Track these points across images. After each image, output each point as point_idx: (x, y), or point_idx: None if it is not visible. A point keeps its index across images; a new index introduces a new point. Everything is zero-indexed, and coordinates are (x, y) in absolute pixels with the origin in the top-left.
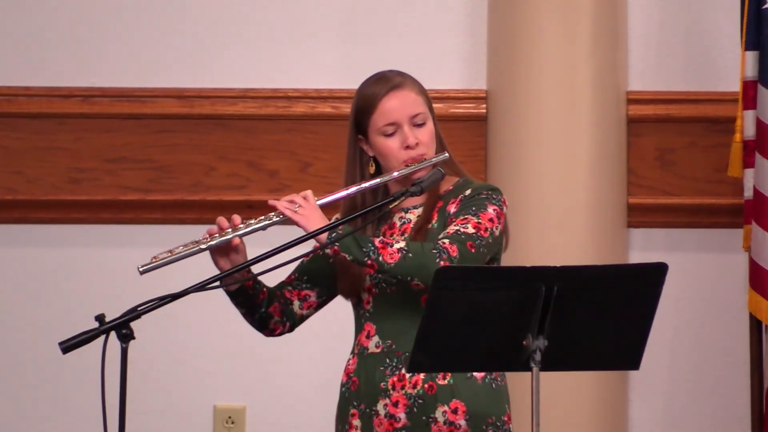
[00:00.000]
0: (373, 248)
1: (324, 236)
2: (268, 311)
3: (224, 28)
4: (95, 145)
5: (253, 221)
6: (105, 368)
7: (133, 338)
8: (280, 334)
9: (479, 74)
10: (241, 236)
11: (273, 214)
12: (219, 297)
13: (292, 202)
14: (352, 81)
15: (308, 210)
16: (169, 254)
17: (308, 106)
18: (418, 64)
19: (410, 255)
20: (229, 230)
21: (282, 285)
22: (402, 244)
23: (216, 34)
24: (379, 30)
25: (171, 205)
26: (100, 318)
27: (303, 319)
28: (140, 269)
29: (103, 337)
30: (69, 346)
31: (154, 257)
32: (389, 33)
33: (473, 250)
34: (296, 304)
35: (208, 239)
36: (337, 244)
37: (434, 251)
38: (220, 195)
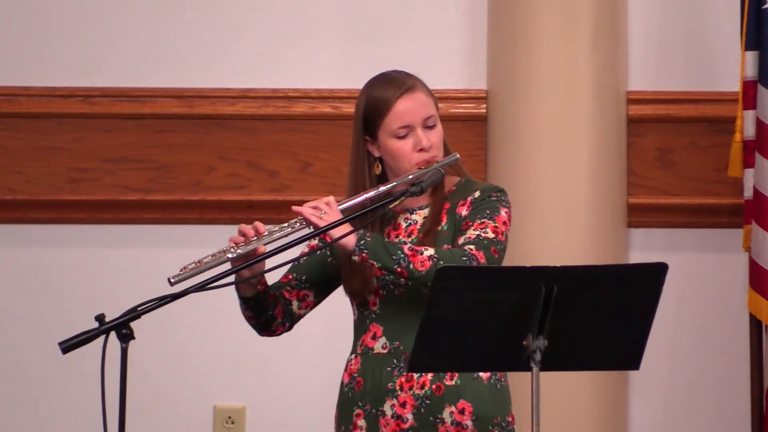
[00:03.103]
0: (403, 256)
1: (350, 241)
2: (273, 314)
3: (224, 28)
4: (95, 145)
5: (275, 229)
6: (105, 368)
7: (133, 338)
8: (279, 334)
9: (479, 74)
10: (264, 244)
11: (296, 220)
12: (219, 297)
13: (316, 208)
14: (352, 81)
15: (332, 217)
16: (198, 264)
17: (308, 106)
18: (418, 64)
19: (441, 263)
20: (254, 239)
21: (280, 285)
22: (431, 252)
23: (216, 34)
24: (379, 30)
25: (171, 205)
26: (100, 318)
27: (300, 318)
28: (171, 280)
29: (103, 337)
30: (69, 346)
31: (183, 268)
32: (389, 33)
33: (496, 255)
34: (295, 304)
35: (235, 248)
36: (366, 251)
37: (464, 258)
38: (220, 195)
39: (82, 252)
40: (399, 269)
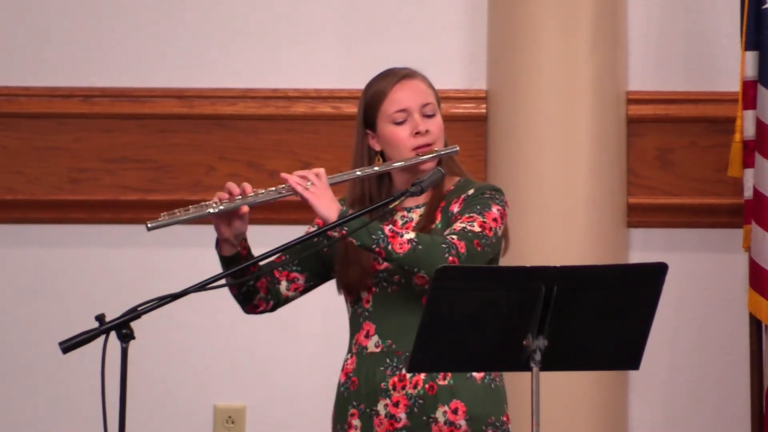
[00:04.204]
0: (382, 236)
1: (333, 217)
2: (255, 285)
3: (224, 28)
4: (95, 145)
5: (262, 192)
6: (105, 368)
7: (133, 338)
8: (261, 312)
9: (479, 74)
10: (249, 205)
11: (283, 187)
12: (219, 297)
13: (304, 178)
14: (352, 81)
15: (319, 189)
16: (178, 214)
17: (308, 106)
18: (418, 64)
19: (420, 247)
20: (239, 198)
21: (272, 264)
22: (412, 235)
23: (216, 34)
24: (379, 30)
25: (171, 205)
26: (100, 318)
27: (287, 300)
28: (148, 225)
29: (103, 337)
30: (69, 346)
31: (163, 214)
32: (389, 33)
33: (479, 249)
34: (283, 284)
35: (218, 203)
36: (345, 228)
37: (444, 245)
38: None
39: (82, 252)
40: (377, 249)
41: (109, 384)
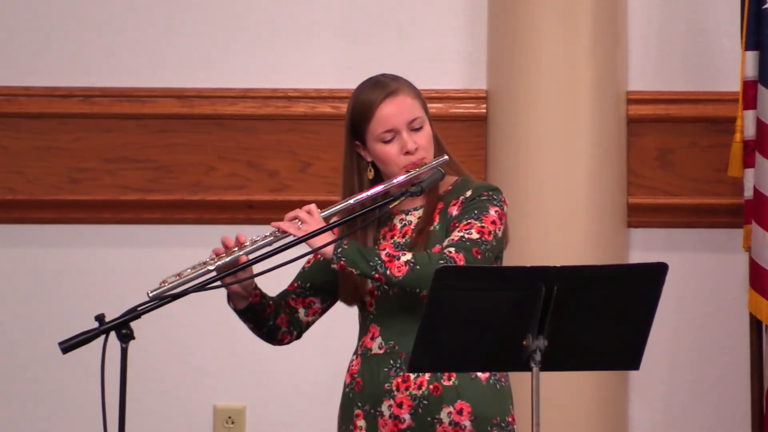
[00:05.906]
0: (380, 262)
1: (330, 249)
2: (275, 323)
3: (224, 28)
4: (95, 145)
5: (258, 238)
6: (105, 368)
7: (133, 338)
8: (288, 343)
9: (479, 74)
10: (247, 254)
11: (276, 230)
12: (219, 297)
13: (295, 219)
14: (352, 81)
15: (312, 226)
16: (178, 277)
17: (308, 106)
18: (418, 63)
19: (418, 267)
20: (235, 249)
21: (285, 294)
22: (409, 256)
23: (216, 34)
24: (379, 30)
25: (171, 205)
26: (100, 318)
27: (309, 325)
28: (149, 294)
29: (103, 337)
30: (69, 346)
31: (163, 281)
32: (389, 33)
33: (479, 257)
34: (301, 311)
35: (215, 259)
36: (343, 259)
37: (441, 261)
38: (220, 195)
39: (82, 252)
40: (377, 275)
41: (109, 384)
